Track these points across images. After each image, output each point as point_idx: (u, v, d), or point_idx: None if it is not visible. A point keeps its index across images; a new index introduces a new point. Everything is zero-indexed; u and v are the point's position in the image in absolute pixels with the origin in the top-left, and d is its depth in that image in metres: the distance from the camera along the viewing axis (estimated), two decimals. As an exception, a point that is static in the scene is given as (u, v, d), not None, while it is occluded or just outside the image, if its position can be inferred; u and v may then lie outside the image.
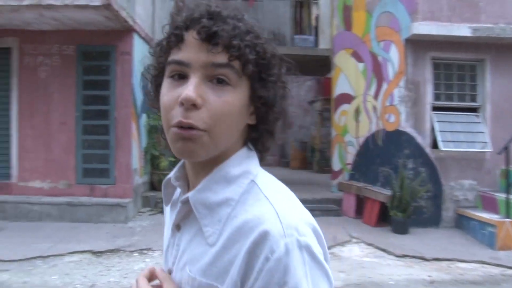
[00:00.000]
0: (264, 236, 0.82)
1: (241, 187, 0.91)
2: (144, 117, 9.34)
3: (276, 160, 18.87)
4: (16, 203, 8.08)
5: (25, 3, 7.13)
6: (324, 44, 12.82)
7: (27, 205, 8.03)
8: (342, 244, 7.12)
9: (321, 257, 0.85)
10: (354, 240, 7.33)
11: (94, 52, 8.47)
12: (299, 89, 19.30)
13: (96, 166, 8.38)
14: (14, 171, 8.46)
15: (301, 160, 17.38)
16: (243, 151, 0.96)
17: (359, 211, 8.92)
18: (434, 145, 8.39)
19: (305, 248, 0.83)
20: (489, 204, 7.91)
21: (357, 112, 9.97)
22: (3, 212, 8.09)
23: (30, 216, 7.98)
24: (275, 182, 0.95)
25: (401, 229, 7.80)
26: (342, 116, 10.55)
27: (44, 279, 5.47)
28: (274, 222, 0.83)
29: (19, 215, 8.02)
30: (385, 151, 8.88)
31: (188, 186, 1.01)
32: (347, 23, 10.48)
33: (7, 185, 8.45)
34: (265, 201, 0.88)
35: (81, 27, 8.24)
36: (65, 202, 7.94)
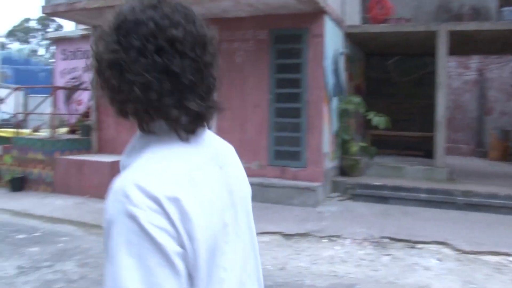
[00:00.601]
0: (107, 200, 0.92)
1: (137, 157, 1.01)
2: (335, 101, 9.16)
3: (470, 149, 17.24)
4: (215, 181, 8.60)
5: (223, -9, 7.45)
6: (539, 16, 11.11)
7: (224, 184, 8.48)
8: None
9: (153, 230, 0.87)
10: None
11: (287, 35, 8.52)
12: (501, 71, 17.26)
13: (287, 149, 8.48)
14: (213, 151, 9.00)
15: (502, 151, 15.50)
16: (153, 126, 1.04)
17: None
18: None
19: (132, 218, 0.87)
20: None
21: None
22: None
23: (225, 194, 8.42)
24: (160, 156, 0.99)
25: None
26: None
27: (238, 256, 5.66)
28: (116, 188, 0.92)
29: (216, 192, 8.53)
30: None
31: None
32: None
33: (207, 164, 9.05)
34: (130, 170, 0.96)
35: (274, 11, 8.34)
36: (257, 183, 8.19)
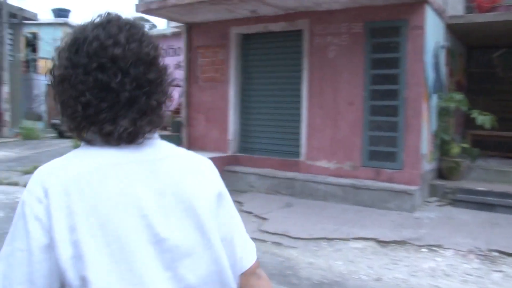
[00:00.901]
0: None
1: None
2: (435, 98, 8.49)
3: None
4: (304, 181, 8.31)
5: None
6: None
7: (313, 184, 8.16)
8: None
9: (29, 217, 0.98)
10: None
11: (383, 28, 8.00)
12: None
13: (382, 149, 7.97)
14: (303, 149, 8.71)
15: None
16: None
17: None
18: None
19: (22, 202, 1.01)
20: None
21: None
22: (291, 188, 8.42)
23: (315, 195, 8.11)
24: (74, 155, 1.10)
25: None
26: None
27: (328, 263, 5.34)
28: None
29: (305, 193, 8.23)
30: None
31: None
32: None
33: (297, 163, 8.77)
34: (46, 163, 1.09)
35: (369, 2, 7.88)
36: (350, 184, 7.79)
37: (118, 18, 1.13)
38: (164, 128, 11.80)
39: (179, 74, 12.53)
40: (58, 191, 0.99)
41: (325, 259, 5.48)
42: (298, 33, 8.88)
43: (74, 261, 0.96)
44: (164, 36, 14.56)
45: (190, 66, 10.39)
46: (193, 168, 1.20)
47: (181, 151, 1.23)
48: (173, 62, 13.91)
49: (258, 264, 1.28)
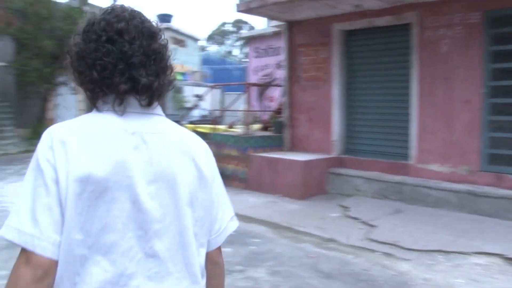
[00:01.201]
0: None
1: None
2: None
3: None
4: (413, 186, 7.72)
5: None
6: None
7: (425, 189, 7.56)
8: None
9: (41, 159, 1.19)
10: None
11: (506, 16, 7.19)
12: None
13: (506, 152, 7.17)
14: (413, 151, 8.12)
15: None
16: None
17: None
18: None
19: (35, 152, 1.22)
20: None
21: None
22: (400, 193, 7.88)
23: (426, 201, 7.51)
24: (80, 117, 1.30)
25: None
26: None
27: (447, 280, 4.82)
28: None
29: (415, 198, 7.66)
30: None
31: None
32: None
33: (405, 166, 8.20)
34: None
35: (489, -12, 7.14)
36: (466, 190, 7.08)
37: (121, 5, 1.33)
38: (266, 129, 11.69)
39: (280, 74, 12.38)
40: (59, 140, 1.20)
41: (443, 275, 4.97)
42: (405, 27, 8.29)
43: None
44: (263, 36, 14.48)
45: (292, 66, 10.16)
46: (184, 147, 1.33)
47: (179, 129, 1.38)
48: (274, 62, 13.79)
49: (217, 252, 1.43)
